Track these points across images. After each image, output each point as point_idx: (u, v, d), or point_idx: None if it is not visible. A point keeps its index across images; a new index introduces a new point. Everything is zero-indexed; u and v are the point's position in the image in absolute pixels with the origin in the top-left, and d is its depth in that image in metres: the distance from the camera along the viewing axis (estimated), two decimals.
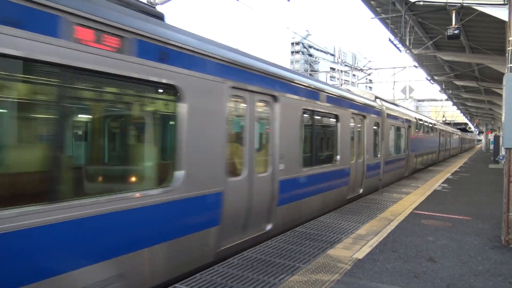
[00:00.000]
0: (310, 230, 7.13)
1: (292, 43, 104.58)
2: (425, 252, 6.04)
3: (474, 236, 7.05)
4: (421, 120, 21.91)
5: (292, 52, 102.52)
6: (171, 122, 4.99)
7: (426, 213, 9.03)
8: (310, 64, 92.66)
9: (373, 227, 7.50)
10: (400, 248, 6.18)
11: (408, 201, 10.61)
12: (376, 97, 14.26)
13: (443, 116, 52.65)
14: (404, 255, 5.83)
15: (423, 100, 63.15)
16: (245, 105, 6.22)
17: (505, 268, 5.40)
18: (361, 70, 38.74)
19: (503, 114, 6.56)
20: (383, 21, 13.71)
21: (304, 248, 6.01)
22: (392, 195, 11.51)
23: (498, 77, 17.73)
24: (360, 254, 5.78)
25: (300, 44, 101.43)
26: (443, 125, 34.88)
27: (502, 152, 25.49)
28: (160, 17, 5.12)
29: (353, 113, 10.68)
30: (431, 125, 25.38)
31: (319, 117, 8.97)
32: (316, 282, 4.65)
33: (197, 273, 4.85)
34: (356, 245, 6.23)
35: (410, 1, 10.92)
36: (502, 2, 8.30)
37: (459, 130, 54.12)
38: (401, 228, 7.52)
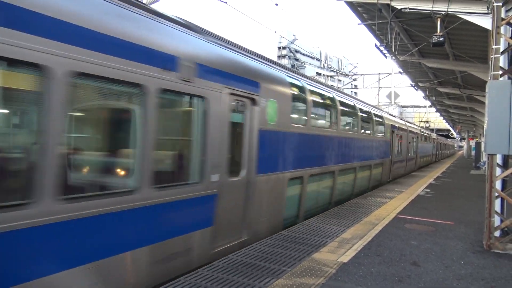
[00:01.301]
0: (295, 233, 7.12)
1: (279, 47, 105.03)
2: (409, 256, 6.08)
3: (456, 241, 7.14)
4: (318, 86, 10.31)
5: (279, 56, 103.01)
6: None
7: (409, 217, 9.11)
8: (296, 68, 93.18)
9: (358, 231, 7.53)
10: (384, 252, 6.21)
11: (392, 205, 10.70)
12: None
13: (427, 122, 53.43)
14: (388, 259, 5.86)
15: (407, 107, 64.04)
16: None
17: (487, 272, 5.47)
18: (347, 75, 39.14)
19: (486, 121, 6.67)
20: (369, 27, 13.84)
21: (290, 251, 5.99)
22: (376, 200, 11.59)
23: (480, 85, 18.05)
24: (345, 258, 5.78)
25: (287, 48, 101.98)
26: (398, 119, 23.17)
27: (484, 158, 25.99)
28: None
29: None
30: (365, 111, 13.99)
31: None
32: (301, 285, 4.63)
33: (181, 276, 4.78)
34: (341, 249, 6.24)
35: (396, 8, 11.05)
36: (486, 11, 8.46)
37: (433, 132, 42.39)
38: (385, 232, 7.57)
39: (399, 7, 10.92)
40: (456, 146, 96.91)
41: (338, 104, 10.97)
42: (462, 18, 9.61)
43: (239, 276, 4.86)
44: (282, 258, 5.66)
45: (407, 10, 10.74)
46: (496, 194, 6.79)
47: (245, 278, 4.78)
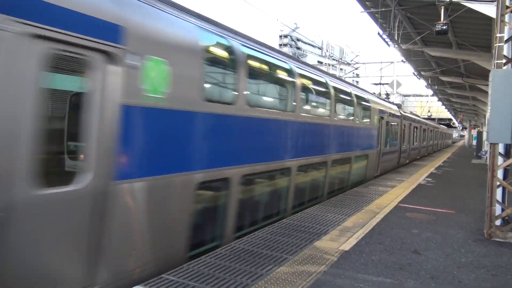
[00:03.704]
0: (297, 221, 7.16)
1: (281, 36, 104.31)
2: (410, 244, 6.12)
3: (457, 229, 7.18)
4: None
5: (280, 45, 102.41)
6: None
7: (411, 206, 9.15)
8: (297, 57, 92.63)
9: (359, 219, 7.57)
10: (385, 240, 6.25)
11: (393, 194, 10.74)
12: None
13: (429, 111, 53.27)
14: (390, 247, 5.90)
15: (409, 95, 63.76)
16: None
17: (487, 260, 5.51)
18: (349, 64, 38.94)
19: (488, 110, 6.66)
20: (372, 15, 13.75)
21: (292, 239, 6.03)
22: (378, 188, 11.63)
23: (483, 74, 18.00)
24: (347, 246, 5.83)
25: (289, 37, 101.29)
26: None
27: (485, 147, 26.00)
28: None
29: None
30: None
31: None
32: (303, 273, 4.67)
33: (184, 264, 4.83)
34: (343, 237, 6.28)
35: None
36: None
37: (395, 105, 21.19)
38: (386, 220, 7.61)
39: None
40: (457, 135, 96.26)
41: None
42: (466, 6, 9.53)
43: (241, 263, 4.91)
44: (284, 246, 5.70)
45: None
46: (498, 183, 6.80)
47: (247, 266, 4.83)
